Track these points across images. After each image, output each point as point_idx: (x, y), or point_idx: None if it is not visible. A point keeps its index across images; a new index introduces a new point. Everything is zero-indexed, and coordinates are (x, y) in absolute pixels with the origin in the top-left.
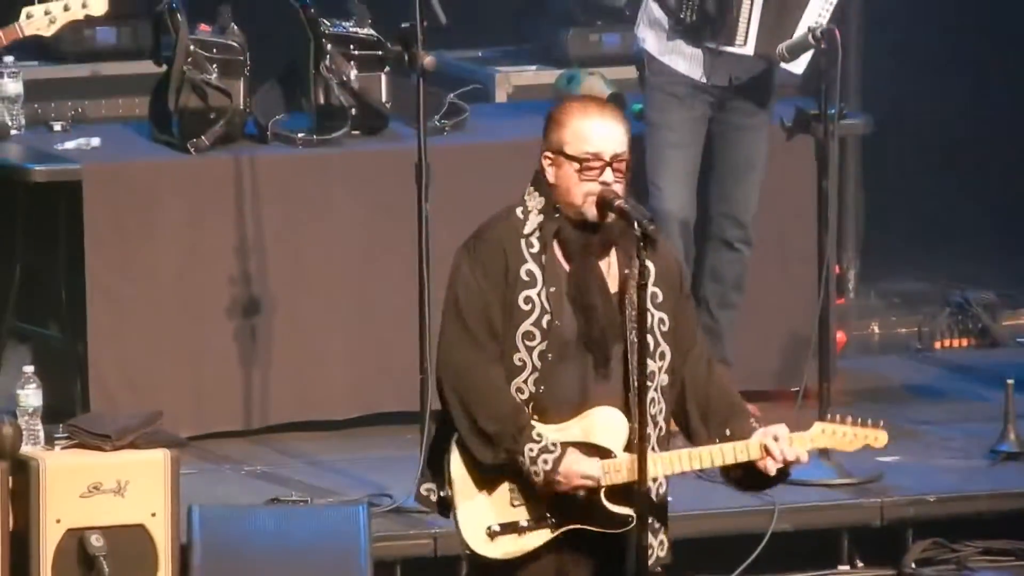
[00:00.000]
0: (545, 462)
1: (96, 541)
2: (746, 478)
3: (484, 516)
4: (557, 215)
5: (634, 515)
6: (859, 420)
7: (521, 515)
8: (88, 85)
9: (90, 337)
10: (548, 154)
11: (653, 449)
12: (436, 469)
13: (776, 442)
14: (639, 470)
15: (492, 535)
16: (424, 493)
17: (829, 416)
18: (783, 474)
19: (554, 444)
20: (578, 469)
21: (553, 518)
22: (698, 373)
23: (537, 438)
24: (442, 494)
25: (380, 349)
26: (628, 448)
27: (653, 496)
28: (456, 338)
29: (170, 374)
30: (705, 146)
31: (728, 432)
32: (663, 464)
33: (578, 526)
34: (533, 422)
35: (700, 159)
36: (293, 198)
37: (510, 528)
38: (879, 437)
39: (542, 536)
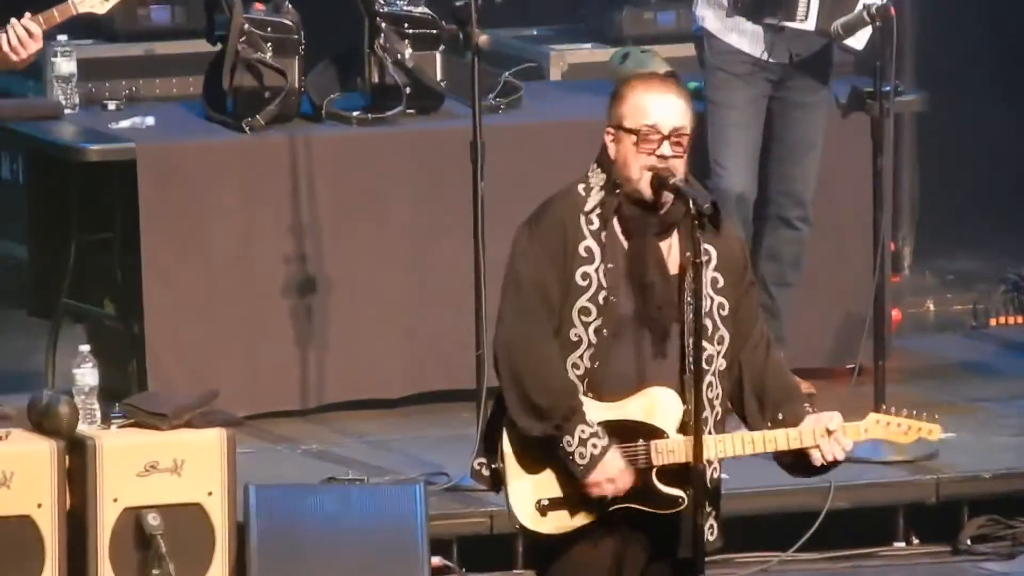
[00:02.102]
0: (595, 446)
1: (153, 520)
2: (796, 464)
3: (535, 491)
4: (618, 191)
5: (685, 497)
6: (913, 412)
7: (572, 491)
8: (142, 64)
9: (146, 316)
10: (609, 129)
11: (708, 433)
12: (490, 445)
13: (826, 437)
14: (695, 453)
15: (543, 510)
16: (477, 467)
17: (884, 407)
18: (833, 464)
19: (601, 436)
20: (617, 471)
21: (616, 494)
22: (756, 358)
23: (583, 431)
24: (494, 466)
25: (435, 328)
26: (682, 429)
27: (707, 479)
28: (513, 312)
29: (225, 353)
30: (765, 124)
31: (781, 416)
32: (714, 448)
33: (629, 505)
34: (585, 399)
35: (761, 138)
36: (348, 177)
37: (560, 503)
38: (933, 430)
39: (592, 514)
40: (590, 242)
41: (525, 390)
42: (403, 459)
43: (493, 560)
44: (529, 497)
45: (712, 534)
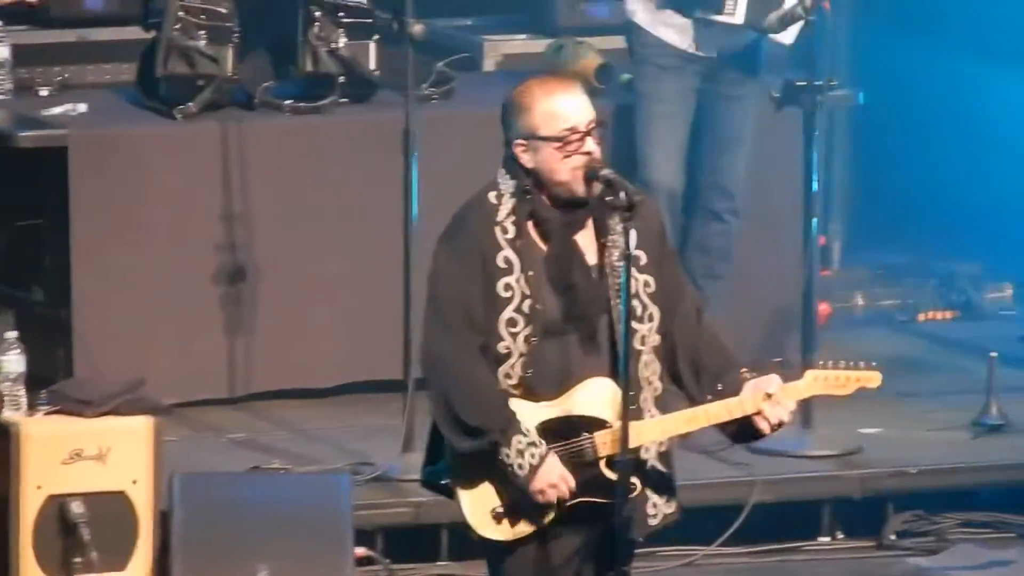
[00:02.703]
0: (532, 455)
1: (77, 508)
2: (740, 432)
3: (487, 500)
4: (529, 197)
5: (637, 482)
6: (851, 364)
7: (523, 496)
8: (76, 51)
9: (74, 303)
10: (520, 142)
11: (650, 414)
12: (434, 453)
13: (767, 401)
14: (622, 440)
15: (498, 518)
16: (428, 477)
17: (820, 363)
18: (778, 426)
19: (540, 440)
20: (558, 478)
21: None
22: (688, 328)
23: (525, 432)
24: (444, 481)
25: (365, 317)
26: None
27: (656, 457)
28: (437, 333)
29: (154, 341)
30: (694, 117)
31: (720, 387)
32: (658, 429)
33: (584, 500)
34: (521, 403)
35: (689, 130)
36: (280, 165)
37: (514, 509)
38: (872, 378)
39: (548, 515)
40: (507, 252)
41: (455, 410)
42: (329, 449)
43: (418, 550)
44: (482, 507)
45: (670, 507)
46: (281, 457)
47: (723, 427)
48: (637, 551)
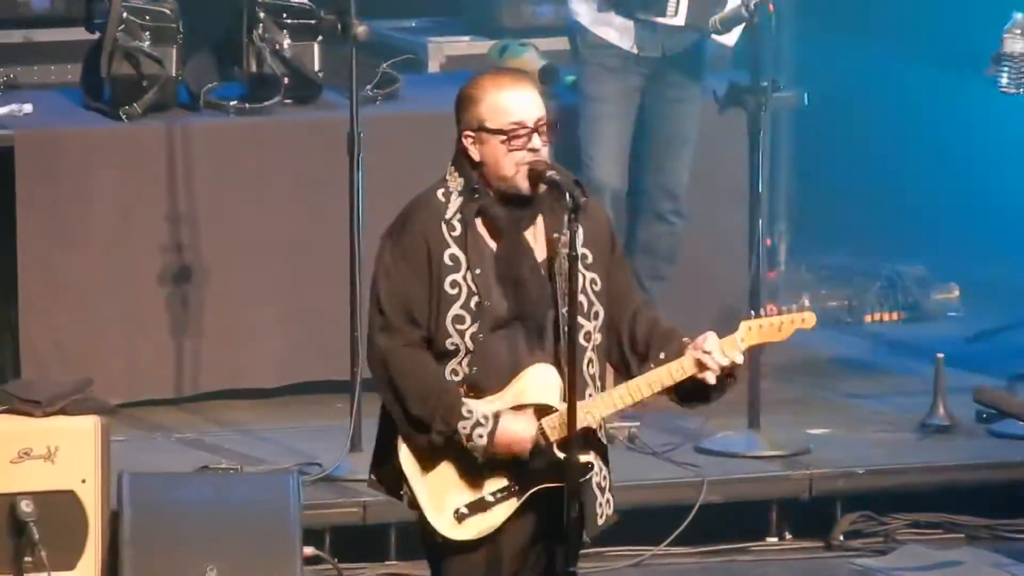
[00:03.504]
0: (480, 436)
1: (26, 507)
2: (691, 395)
3: (449, 500)
4: (477, 195)
5: (592, 460)
6: (783, 308)
7: (485, 491)
8: (21, 51)
9: (21, 303)
10: (469, 133)
11: (589, 395)
12: (384, 455)
13: (708, 354)
14: (568, 426)
15: (460, 518)
16: (375, 479)
17: (753, 313)
18: (728, 381)
19: (485, 416)
20: (513, 433)
21: (516, 485)
22: (631, 324)
23: (467, 415)
24: (401, 493)
25: (311, 318)
26: (565, 398)
27: (603, 441)
28: (378, 327)
29: (101, 341)
30: (637, 119)
31: (663, 355)
32: (605, 403)
33: (543, 486)
34: (464, 399)
35: (632, 131)
36: (225, 166)
37: (478, 506)
38: (807, 318)
39: (511, 506)
40: (454, 249)
41: (405, 406)
42: (277, 449)
43: (366, 550)
44: (444, 508)
45: (610, 508)
46: (229, 457)
47: (671, 395)
48: (585, 551)
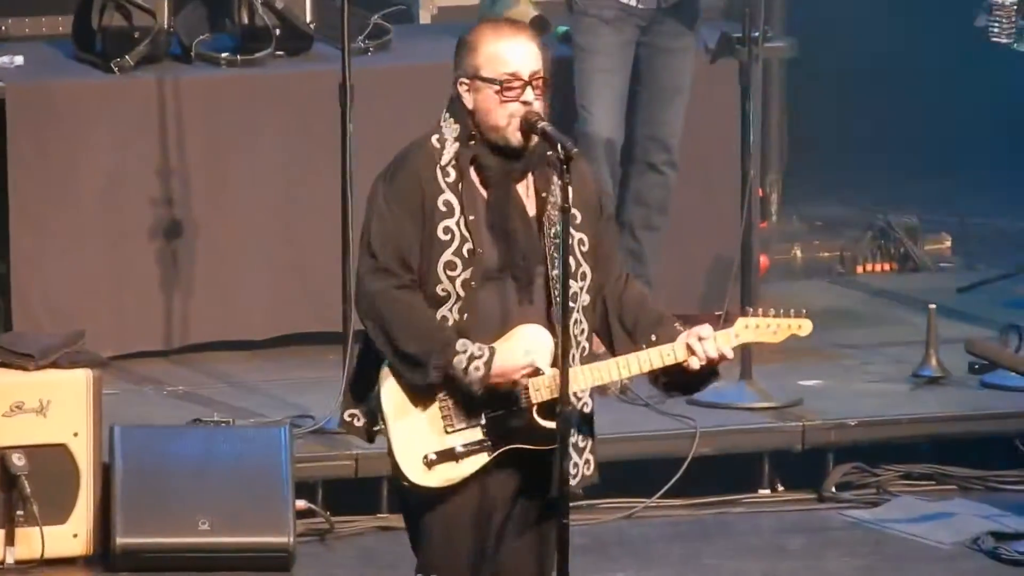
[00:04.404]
0: (477, 368)
1: (18, 460)
2: (673, 382)
3: (420, 445)
4: (473, 142)
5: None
6: (781, 311)
7: (456, 441)
8: (11, 3)
9: (12, 257)
10: (464, 80)
11: (574, 356)
12: (360, 395)
13: (700, 342)
14: (561, 389)
15: (430, 464)
16: (348, 419)
17: (751, 310)
18: (711, 373)
19: (480, 348)
20: (510, 362)
21: (489, 440)
22: (618, 291)
23: (462, 348)
24: (375, 428)
25: (302, 270)
26: (555, 364)
27: (585, 410)
28: (369, 269)
29: (92, 294)
30: (632, 69)
31: (655, 338)
32: (591, 375)
33: (514, 446)
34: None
35: (628, 83)
36: (217, 119)
37: (447, 455)
38: (803, 326)
39: (480, 460)
40: (448, 195)
41: (396, 343)
42: (269, 401)
43: (358, 503)
44: (415, 453)
45: (589, 469)
46: (221, 410)
47: (656, 379)
48: (576, 503)
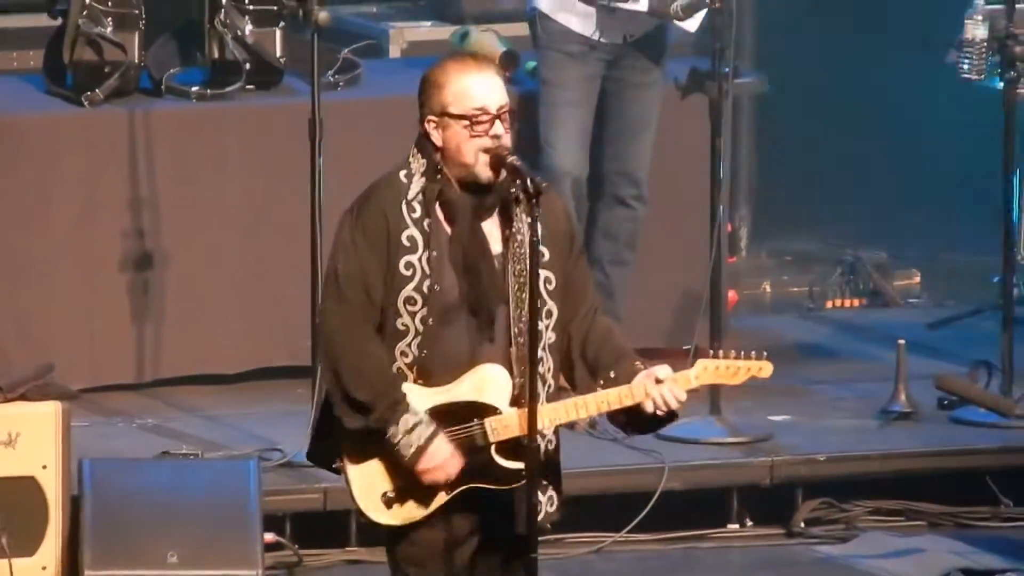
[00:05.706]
0: (420, 436)
1: None
2: (632, 422)
3: (378, 483)
4: (439, 177)
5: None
6: (742, 353)
7: (416, 479)
8: None
9: None
10: (432, 118)
11: (540, 404)
12: (323, 432)
13: (657, 385)
14: (529, 427)
15: (388, 502)
16: (315, 457)
17: (712, 352)
18: (669, 416)
19: (430, 420)
20: (441, 461)
21: (448, 480)
22: (584, 326)
23: (414, 412)
24: (334, 465)
25: (272, 304)
26: (514, 403)
27: (541, 452)
28: (333, 307)
29: (63, 327)
30: (598, 104)
31: (613, 375)
32: (549, 415)
33: (473, 486)
34: (414, 387)
35: (593, 117)
36: (187, 152)
37: (405, 493)
38: (763, 367)
39: (439, 499)
40: (413, 231)
41: (344, 386)
42: (238, 434)
43: (327, 536)
44: (373, 491)
45: (552, 505)
46: (190, 443)
47: (614, 417)
48: (544, 538)
